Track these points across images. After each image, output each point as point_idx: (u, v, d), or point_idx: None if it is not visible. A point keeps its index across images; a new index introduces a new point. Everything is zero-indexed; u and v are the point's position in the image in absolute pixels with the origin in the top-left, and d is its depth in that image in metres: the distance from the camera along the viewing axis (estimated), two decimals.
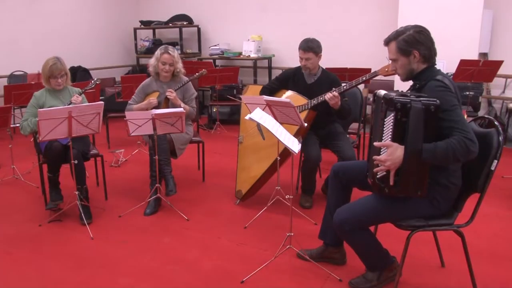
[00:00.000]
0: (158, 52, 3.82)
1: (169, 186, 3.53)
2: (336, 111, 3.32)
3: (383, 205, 2.18)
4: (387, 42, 2.26)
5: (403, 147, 2.00)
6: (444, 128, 2.01)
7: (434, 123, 1.98)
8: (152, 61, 3.88)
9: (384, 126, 2.06)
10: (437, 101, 1.96)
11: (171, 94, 3.73)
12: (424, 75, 2.19)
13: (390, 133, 2.03)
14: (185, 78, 3.95)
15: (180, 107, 3.67)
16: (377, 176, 2.09)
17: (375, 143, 2.08)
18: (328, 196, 2.62)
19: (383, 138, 2.07)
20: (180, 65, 3.90)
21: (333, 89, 3.21)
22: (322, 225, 2.68)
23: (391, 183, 2.05)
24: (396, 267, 2.41)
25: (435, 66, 2.23)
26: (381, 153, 2.08)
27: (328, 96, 3.19)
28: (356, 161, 2.85)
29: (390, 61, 2.32)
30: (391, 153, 2.02)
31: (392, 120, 2.01)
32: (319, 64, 3.53)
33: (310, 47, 3.39)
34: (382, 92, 2.14)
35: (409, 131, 1.97)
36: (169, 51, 3.78)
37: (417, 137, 1.97)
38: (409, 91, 2.24)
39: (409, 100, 1.96)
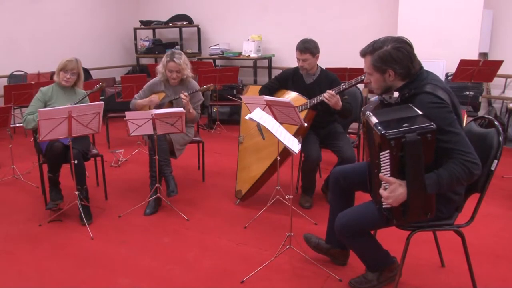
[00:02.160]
0: (164, 60, 3.74)
1: (170, 187, 3.51)
2: (338, 111, 3.31)
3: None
4: (363, 55, 2.11)
5: (405, 183, 1.89)
6: (442, 149, 1.90)
7: (432, 149, 1.87)
8: (159, 68, 3.82)
9: (381, 160, 1.94)
10: (433, 125, 1.83)
11: (186, 98, 3.63)
12: (411, 85, 2.04)
13: (388, 168, 1.92)
14: (195, 85, 3.90)
15: (190, 111, 3.66)
16: (383, 206, 2.02)
17: (381, 175, 1.96)
18: (329, 202, 2.61)
19: (381, 170, 1.96)
20: (188, 71, 3.80)
21: (332, 89, 3.20)
22: (328, 230, 2.66)
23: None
24: (396, 267, 2.41)
25: (423, 69, 2.07)
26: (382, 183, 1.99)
27: (325, 96, 3.18)
28: (356, 164, 2.75)
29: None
30: (393, 190, 1.91)
31: (387, 156, 1.90)
32: (317, 64, 3.53)
33: (307, 48, 3.37)
34: (374, 119, 1.96)
35: (408, 165, 1.86)
36: (175, 59, 3.68)
37: (417, 169, 1.86)
38: (398, 98, 2.10)
39: (402, 134, 1.82)
